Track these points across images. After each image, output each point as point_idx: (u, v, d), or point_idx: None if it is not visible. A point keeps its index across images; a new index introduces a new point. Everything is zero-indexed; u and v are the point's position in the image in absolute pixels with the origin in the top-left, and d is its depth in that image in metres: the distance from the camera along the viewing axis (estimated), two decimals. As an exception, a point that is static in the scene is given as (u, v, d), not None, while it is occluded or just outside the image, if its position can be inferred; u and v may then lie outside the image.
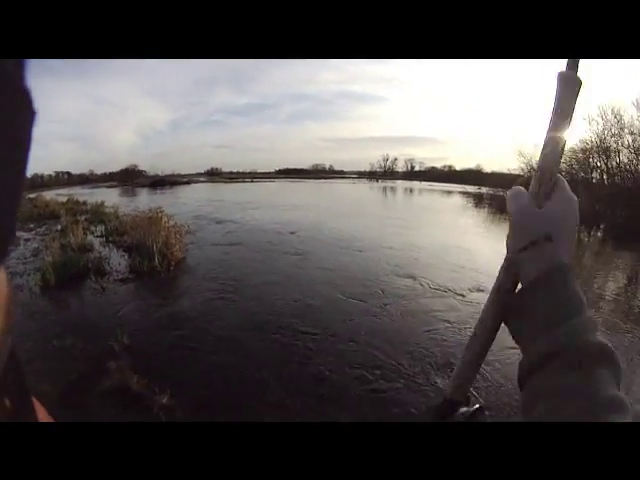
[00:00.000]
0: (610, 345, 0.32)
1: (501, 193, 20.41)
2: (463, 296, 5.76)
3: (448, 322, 4.79)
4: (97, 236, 10.27)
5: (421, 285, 6.22)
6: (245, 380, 3.46)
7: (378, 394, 3.33)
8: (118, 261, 7.41)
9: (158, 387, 3.19)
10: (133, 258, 6.99)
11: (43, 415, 0.36)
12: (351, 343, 4.25)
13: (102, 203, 18.02)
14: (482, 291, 5.79)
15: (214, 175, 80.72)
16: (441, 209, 21.23)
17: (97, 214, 15.00)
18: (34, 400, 0.31)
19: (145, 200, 23.67)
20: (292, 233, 10.85)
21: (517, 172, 21.17)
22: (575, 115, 0.46)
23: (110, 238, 9.68)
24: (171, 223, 7.96)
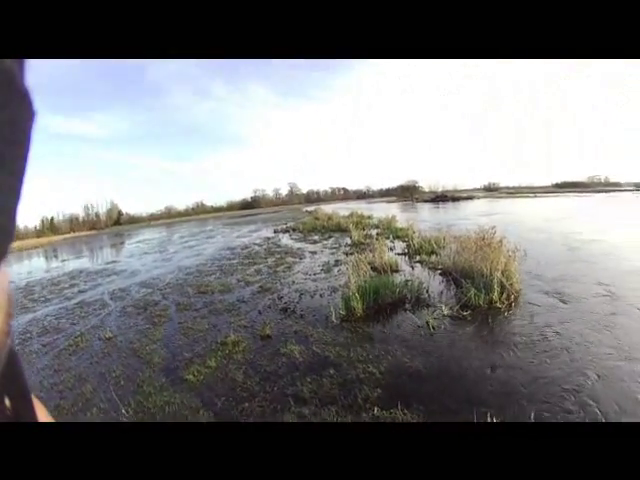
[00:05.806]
0: None
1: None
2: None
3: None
4: (397, 254, 8.71)
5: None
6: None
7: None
8: (439, 289, 5.70)
9: None
10: (464, 288, 5.12)
11: (43, 415, 0.36)
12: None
13: (393, 217, 17.58)
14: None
15: (492, 190, 75.43)
16: None
17: (389, 229, 14.36)
18: (34, 400, 0.30)
19: (431, 215, 22.46)
20: None
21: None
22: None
23: (417, 258, 8.11)
24: (508, 247, 5.87)
